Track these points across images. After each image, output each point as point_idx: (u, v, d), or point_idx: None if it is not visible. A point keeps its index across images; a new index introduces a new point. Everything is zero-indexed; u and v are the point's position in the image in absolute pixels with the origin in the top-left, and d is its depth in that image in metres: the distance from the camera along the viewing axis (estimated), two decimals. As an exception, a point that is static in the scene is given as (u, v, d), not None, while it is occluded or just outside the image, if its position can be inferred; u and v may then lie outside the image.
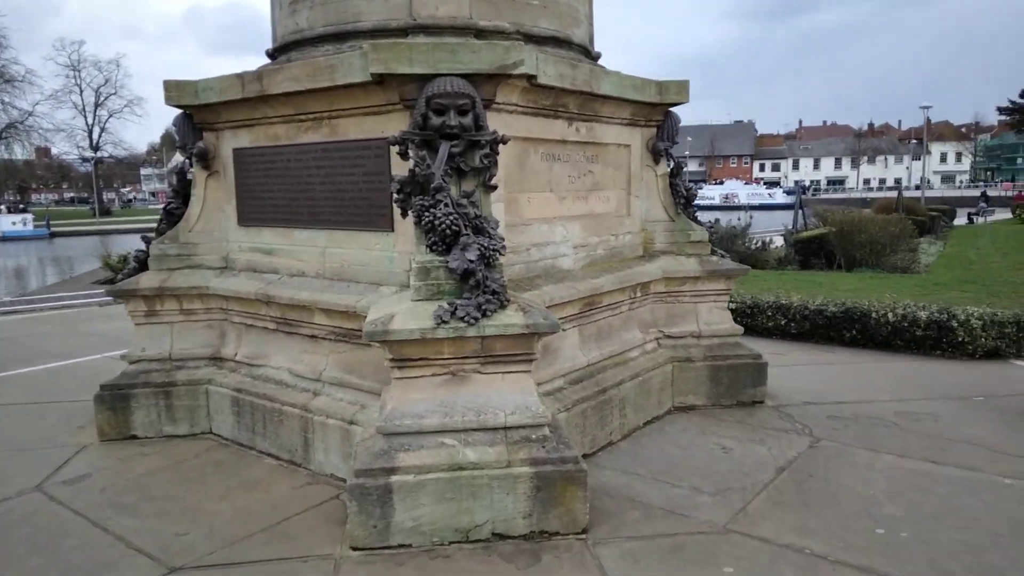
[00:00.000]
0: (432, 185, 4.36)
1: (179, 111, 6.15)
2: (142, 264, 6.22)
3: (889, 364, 8.19)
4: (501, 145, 4.71)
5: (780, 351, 8.62)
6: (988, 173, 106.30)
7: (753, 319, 9.39)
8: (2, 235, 55.56)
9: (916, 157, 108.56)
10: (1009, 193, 67.17)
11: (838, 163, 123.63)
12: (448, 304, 4.17)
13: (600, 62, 6.27)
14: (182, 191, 6.33)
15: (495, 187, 4.64)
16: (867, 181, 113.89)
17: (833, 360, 8.42)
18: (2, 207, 71.77)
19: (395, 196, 4.58)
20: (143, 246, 6.34)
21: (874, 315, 8.71)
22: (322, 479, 5.08)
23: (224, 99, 5.65)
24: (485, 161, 4.60)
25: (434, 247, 4.35)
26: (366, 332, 4.07)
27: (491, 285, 4.24)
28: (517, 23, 5.35)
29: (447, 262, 4.29)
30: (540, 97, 5.22)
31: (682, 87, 6.30)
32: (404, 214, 4.63)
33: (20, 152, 65.81)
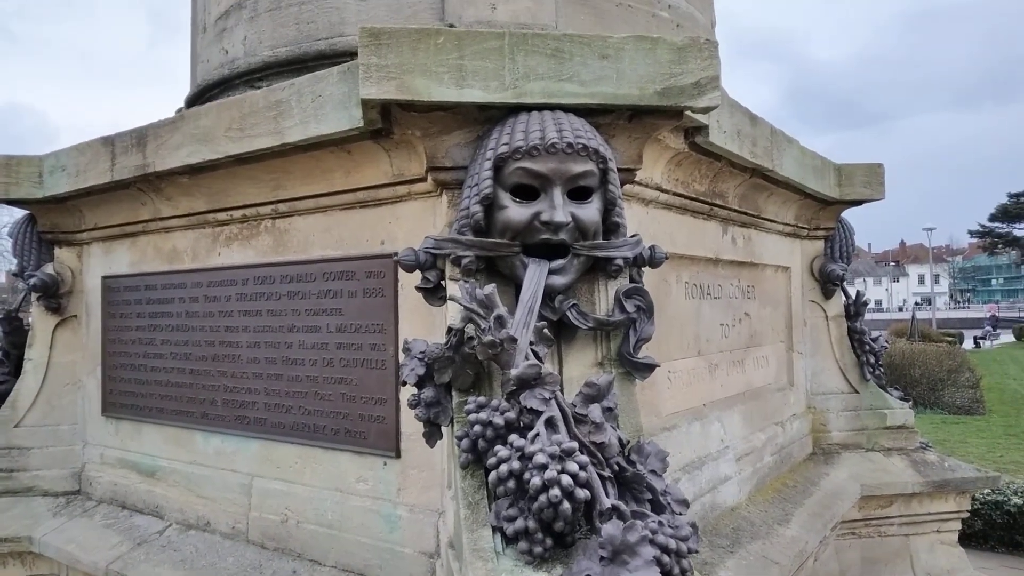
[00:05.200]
0: (512, 373, 1.68)
1: (21, 211, 3.53)
2: (-80, 487, 3.35)
3: None
4: (648, 270, 2.11)
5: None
6: (966, 294, 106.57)
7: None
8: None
9: (895, 279, 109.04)
10: (996, 315, 65.90)
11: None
12: None
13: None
14: (13, 351, 3.57)
15: (649, 367, 1.96)
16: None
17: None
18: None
19: (411, 393, 1.90)
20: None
21: (1083, 512, 5.95)
22: None
23: (83, 186, 3.03)
24: (630, 307, 1.96)
25: (521, 538, 1.61)
26: None
27: (694, 666, 1.46)
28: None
29: (563, 592, 1.53)
30: (694, 176, 2.67)
31: (872, 174, 3.82)
32: (431, 436, 1.92)
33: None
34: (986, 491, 6.38)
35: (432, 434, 1.92)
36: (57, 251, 3.44)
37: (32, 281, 3.33)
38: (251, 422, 2.67)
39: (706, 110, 1.97)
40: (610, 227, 1.95)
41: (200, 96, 3.20)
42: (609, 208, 1.92)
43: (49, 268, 3.39)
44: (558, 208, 1.82)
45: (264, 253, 2.68)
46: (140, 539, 2.84)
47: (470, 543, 1.63)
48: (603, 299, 2.00)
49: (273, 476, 2.60)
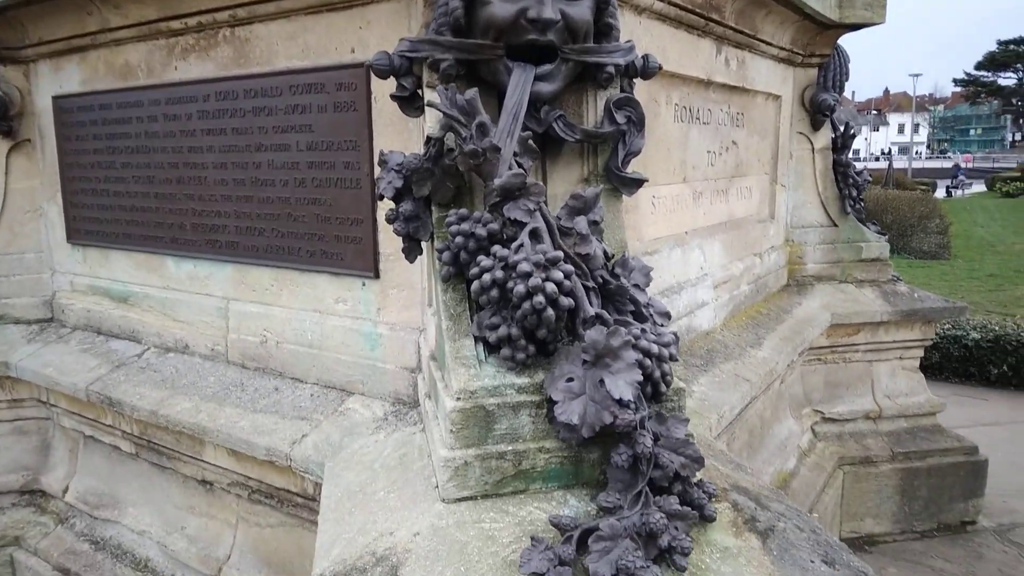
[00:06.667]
0: (496, 182, 1.60)
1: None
2: None
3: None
4: (639, 82, 1.99)
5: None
6: (943, 144, 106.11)
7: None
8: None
9: (875, 128, 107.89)
10: (970, 165, 65.97)
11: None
12: (560, 528, 1.44)
13: None
14: (-35, 176, 3.40)
15: (637, 182, 1.89)
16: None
17: (997, 417, 5.94)
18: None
19: (389, 208, 1.82)
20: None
21: (1035, 345, 6.25)
22: None
23: (20, -9, 2.74)
24: (620, 119, 1.85)
25: (504, 345, 1.60)
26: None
27: (670, 464, 1.51)
28: None
29: (546, 396, 1.55)
30: (691, -18, 2.47)
31: (875, -6, 3.59)
32: (411, 251, 1.86)
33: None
34: (947, 326, 6.66)
35: (412, 249, 1.87)
36: (1, 69, 3.18)
37: (-24, 100, 3.10)
38: (223, 246, 2.59)
39: None
40: (602, 29, 1.80)
41: None
42: (601, 7, 1.76)
43: (-6, 87, 3.15)
44: (546, 3, 1.66)
45: (224, 66, 2.48)
46: (119, 362, 2.85)
47: (452, 352, 1.62)
48: (591, 111, 1.88)
49: (249, 299, 2.57)
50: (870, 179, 4.21)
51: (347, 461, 1.95)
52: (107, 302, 3.07)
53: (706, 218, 3.05)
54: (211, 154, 2.55)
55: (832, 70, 3.84)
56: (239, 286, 2.59)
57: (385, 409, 2.18)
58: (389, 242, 2.15)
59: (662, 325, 1.73)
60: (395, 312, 2.21)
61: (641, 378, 1.49)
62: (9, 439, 3.27)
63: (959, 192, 42.39)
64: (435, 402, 1.76)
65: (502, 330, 1.57)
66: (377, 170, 1.84)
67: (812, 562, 1.47)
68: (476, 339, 1.66)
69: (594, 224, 1.71)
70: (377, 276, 2.22)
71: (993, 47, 72.33)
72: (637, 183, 1.87)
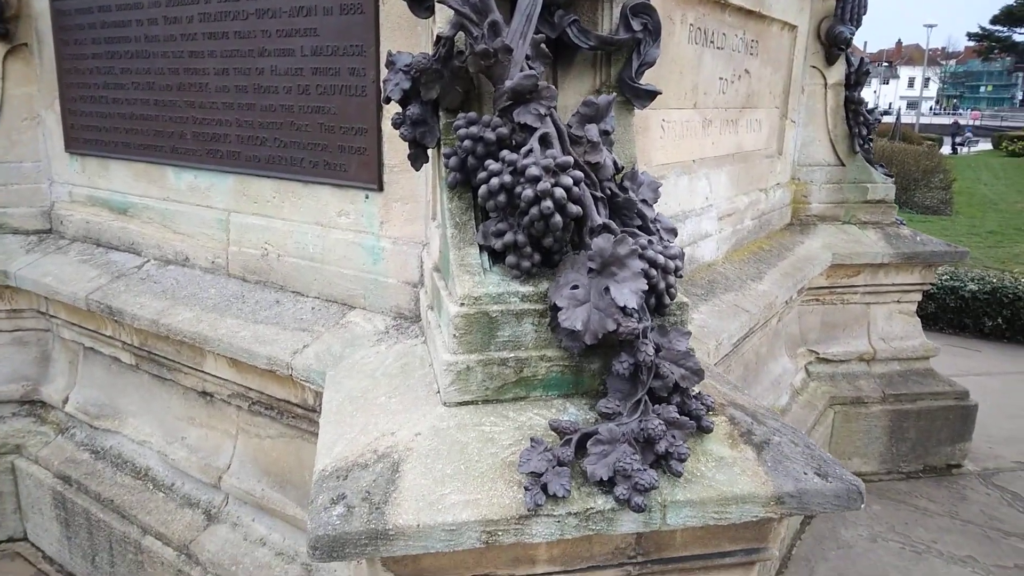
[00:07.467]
0: (507, 84, 1.56)
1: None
2: None
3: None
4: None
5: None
6: (953, 100, 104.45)
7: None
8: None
9: (885, 81, 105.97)
10: (977, 122, 64.87)
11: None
12: (559, 432, 1.45)
13: None
14: (-41, 80, 3.32)
15: (650, 94, 1.85)
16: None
17: (990, 367, 6.00)
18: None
19: (395, 112, 1.78)
20: None
21: (1032, 298, 6.27)
22: None
23: None
24: (636, 26, 1.80)
25: (509, 252, 1.59)
26: (314, 537, 1.32)
27: (670, 375, 1.51)
28: None
29: (549, 304, 1.54)
30: None
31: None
32: (416, 158, 1.83)
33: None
34: (944, 277, 6.66)
35: (417, 156, 1.83)
36: (-7, -34, 3.07)
37: (-31, 0, 3.00)
38: (224, 156, 2.55)
39: None
40: (619, -70, 1.73)
41: None
42: (619, -96, 1.69)
43: (-14, -14, 3.05)
44: None
45: (227, -34, 2.39)
46: (118, 273, 2.83)
47: (457, 259, 1.61)
48: (606, 18, 1.82)
49: (251, 211, 2.54)
50: (880, 118, 4.14)
51: (349, 369, 1.96)
52: (106, 213, 3.04)
53: (714, 148, 3.00)
54: (212, 59, 2.48)
55: (850, 1, 3.73)
56: (240, 198, 2.56)
57: (386, 323, 2.18)
58: (394, 153, 2.11)
59: (668, 241, 1.71)
60: (398, 226, 2.19)
61: (646, 287, 1.48)
62: (9, 349, 3.29)
63: (965, 149, 41.96)
64: (438, 312, 1.75)
65: (508, 237, 1.55)
66: (384, 72, 1.80)
67: (805, 474, 1.49)
68: (481, 248, 1.64)
69: (605, 134, 1.68)
70: (381, 189, 2.19)
71: (1011, 0, 70.33)
72: (651, 95, 1.83)
